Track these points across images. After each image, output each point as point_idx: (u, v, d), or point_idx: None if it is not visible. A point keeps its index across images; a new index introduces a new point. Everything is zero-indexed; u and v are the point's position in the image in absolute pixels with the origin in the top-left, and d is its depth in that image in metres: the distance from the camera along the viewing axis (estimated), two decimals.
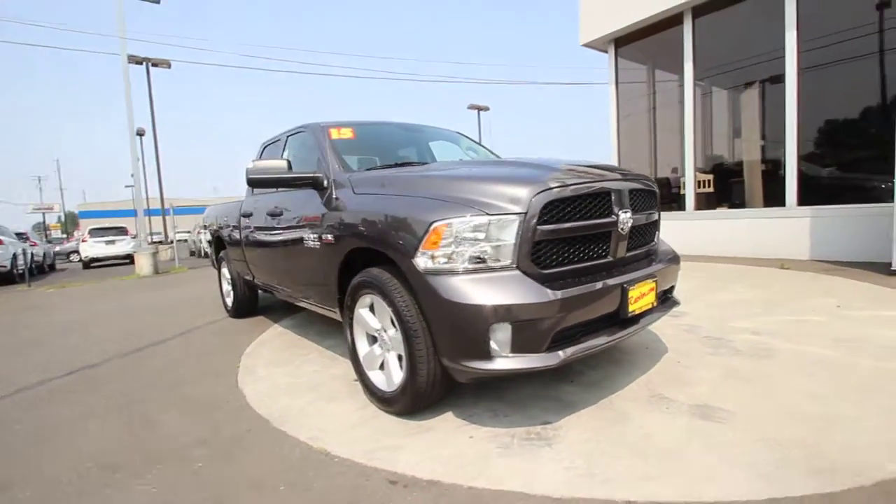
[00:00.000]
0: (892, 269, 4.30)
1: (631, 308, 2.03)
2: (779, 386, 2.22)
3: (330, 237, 2.48)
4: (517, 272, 1.81)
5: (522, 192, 1.82)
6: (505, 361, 1.77)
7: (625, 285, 1.99)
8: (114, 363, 3.40)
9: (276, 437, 2.07)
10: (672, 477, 1.57)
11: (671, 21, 6.58)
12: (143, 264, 10.52)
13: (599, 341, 1.93)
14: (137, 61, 18.40)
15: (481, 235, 1.80)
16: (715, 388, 2.23)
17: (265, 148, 3.91)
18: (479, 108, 29.89)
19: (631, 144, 7.75)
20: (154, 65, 19.07)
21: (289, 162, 2.73)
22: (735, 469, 1.59)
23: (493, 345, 1.75)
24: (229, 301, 4.84)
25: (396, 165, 2.94)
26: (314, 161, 2.99)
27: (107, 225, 16.82)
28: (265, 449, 1.97)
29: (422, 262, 1.86)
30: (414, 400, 2.05)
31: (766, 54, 5.90)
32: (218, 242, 4.98)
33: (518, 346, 1.77)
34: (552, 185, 1.86)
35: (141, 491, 1.73)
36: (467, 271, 1.81)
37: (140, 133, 19.91)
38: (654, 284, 2.19)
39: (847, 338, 2.79)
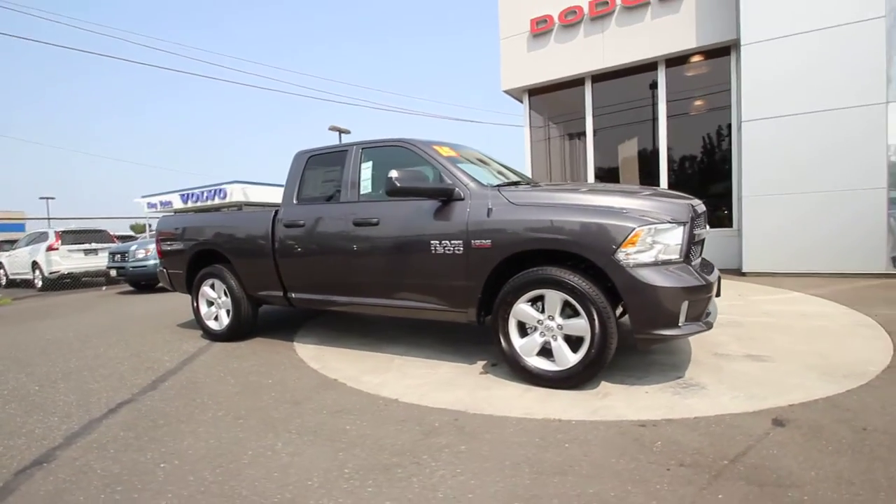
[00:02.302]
0: (743, 271, 6.43)
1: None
2: (772, 339, 3.41)
3: (486, 242, 2.81)
4: (683, 265, 2.55)
5: (685, 209, 2.59)
6: (682, 329, 2.48)
7: (719, 276, 2.91)
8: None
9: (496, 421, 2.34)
10: (775, 387, 2.49)
11: (575, 82, 8.33)
12: None
13: (715, 315, 2.78)
14: None
15: (668, 239, 2.49)
16: (741, 346, 3.30)
17: (311, 157, 3.83)
18: (340, 130, 29.68)
19: (538, 175, 9.28)
20: None
21: (422, 174, 2.97)
22: (804, 380, 2.59)
23: (681, 316, 2.44)
24: (215, 324, 4.35)
25: (513, 184, 3.37)
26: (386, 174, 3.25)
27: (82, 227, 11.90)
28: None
29: (622, 257, 2.45)
30: (594, 371, 2.58)
31: (644, 113, 8.00)
32: (196, 260, 4.42)
33: (689, 317, 2.50)
34: (694, 205, 2.67)
35: None
36: (655, 264, 2.47)
37: None
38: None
39: (768, 312, 4.29)
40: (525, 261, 2.80)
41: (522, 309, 2.76)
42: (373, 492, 1.76)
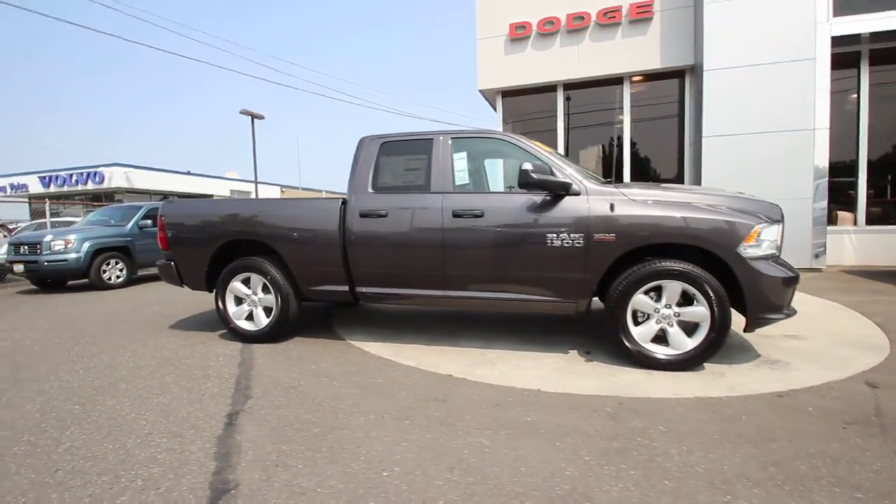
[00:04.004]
0: None
1: None
2: (784, 323, 4.07)
3: (610, 236, 2.96)
4: (780, 258, 2.96)
5: (778, 210, 3.00)
6: (784, 313, 2.89)
7: None
8: None
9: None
10: (836, 360, 3.04)
11: (548, 88, 8.83)
12: None
13: None
14: None
15: (771, 235, 2.87)
16: (770, 328, 3.90)
17: (384, 144, 3.60)
18: (253, 115, 27.16)
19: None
20: None
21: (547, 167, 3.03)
22: (849, 352, 3.19)
23: (787, 302, 2.85)
24: (248, 324, 3.90)
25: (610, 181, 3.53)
26: (492, 167, 3.26)
27: None
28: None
29: (742, 251, 2.78)
30: (712, 353, 2.89)
31: (610, 119, 8.78)
32: (223, 252, 3.89)
33: (790, 303, 2.93)
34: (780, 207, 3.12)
35: None
36: (765, 257, 2.85)
37: None
38: None
39: None
40: (636, 255, 3.01)
41: (641, 299, 2.97)
42: (633, 474, 1.81)
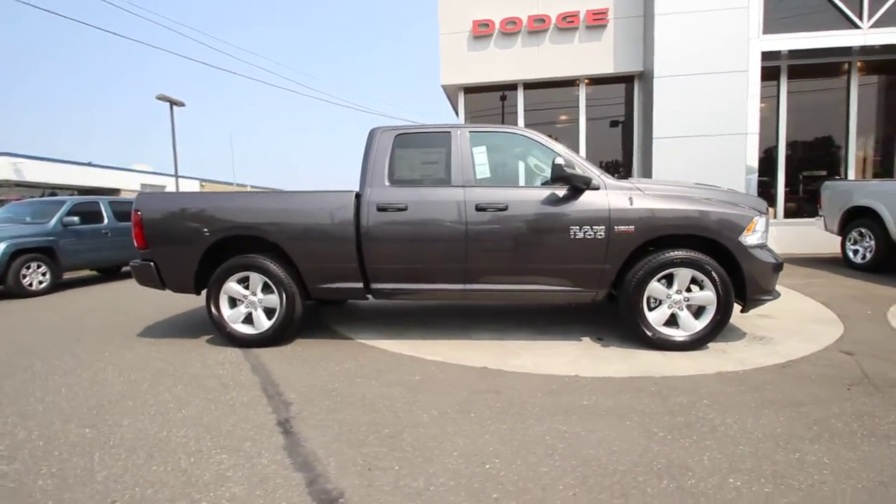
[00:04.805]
0: None
1: None
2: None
3: (629, 228, 3.15)
4: (767, 246, 3.34)
5: (765, 205, 3.39)
6: (773, 294, 3.27)
7: None
8: None
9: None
10: (809, 334, 3.53)
11: (509, 87, 9.07)
12: None
13: None
14: None
15: (763, 226, 3.23)
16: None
17: (399, 136, 3.51)
18: (172, 102, 24.48)
19: None
20: None
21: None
22: (818, 327, 3.70)
23: (775, 285, 3.23)
24: (247, 327, 3.63)
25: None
26: (510, 161, 3.39)
27: None
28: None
29: (743, 240, 3.11)
30: (718, 332, 3.19)
31: (571, 118, 9.21)
32: (215, 250, 3.57)
33: (776, 286, 3.32)
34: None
35: None
36: (759, 246, 3.21)
37: None
38: None
39: None
40: (648, 245, 3.24)
41: (655, 286, 3.20)
42: (710, 444, 1.98)
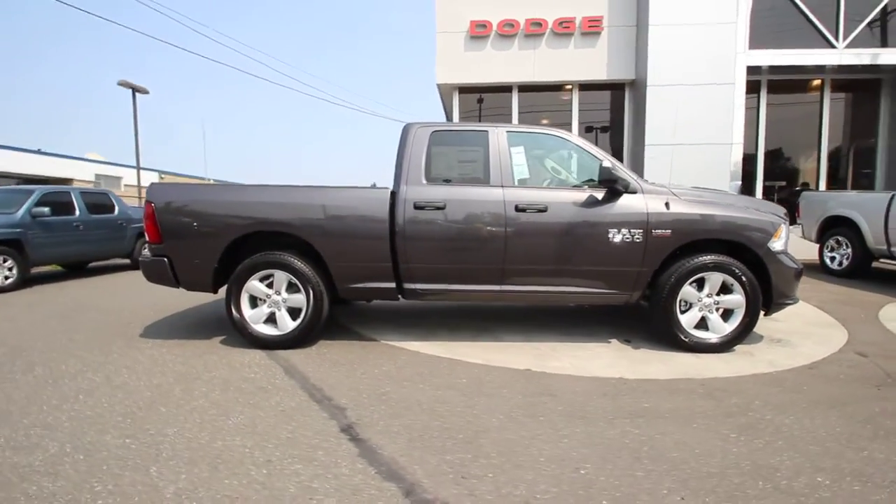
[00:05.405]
0: None
1: None
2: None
3: (666, 232, 3.21)
4: (788, 252, 3.50)
5: (784, 211, 3.54)
6: (795, 298, 3.42)
7: None
8: None
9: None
10: (820, 337, 3.72)
11: (503, 88, 9.11)
12: None
13: None
14: None
15: (784, 232, 3.38)
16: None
17: (434, 133, 3.44)
18: (135, 89, 22.84)
19: None
20: None
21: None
22: (825, 330, 3.91)
23: (798, 289, 3.38)
24: (269, 327, 3.46)
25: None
26: (546, 162, 3.42)
27: None
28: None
29: (772, 245, 3.24)
30: (747, 334, 3.31)
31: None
32: (236, 246, 3.38)
33: (798, 290, 3.47)
34: None
35: None
36: (783, 252, 3.35)
37: None
38: None
39: None
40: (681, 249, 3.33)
41: (687, 290, 3.28)
42: (782, 444, 2.04)
